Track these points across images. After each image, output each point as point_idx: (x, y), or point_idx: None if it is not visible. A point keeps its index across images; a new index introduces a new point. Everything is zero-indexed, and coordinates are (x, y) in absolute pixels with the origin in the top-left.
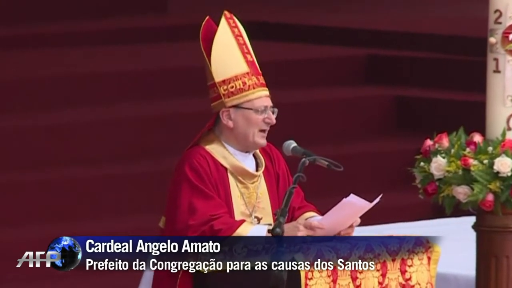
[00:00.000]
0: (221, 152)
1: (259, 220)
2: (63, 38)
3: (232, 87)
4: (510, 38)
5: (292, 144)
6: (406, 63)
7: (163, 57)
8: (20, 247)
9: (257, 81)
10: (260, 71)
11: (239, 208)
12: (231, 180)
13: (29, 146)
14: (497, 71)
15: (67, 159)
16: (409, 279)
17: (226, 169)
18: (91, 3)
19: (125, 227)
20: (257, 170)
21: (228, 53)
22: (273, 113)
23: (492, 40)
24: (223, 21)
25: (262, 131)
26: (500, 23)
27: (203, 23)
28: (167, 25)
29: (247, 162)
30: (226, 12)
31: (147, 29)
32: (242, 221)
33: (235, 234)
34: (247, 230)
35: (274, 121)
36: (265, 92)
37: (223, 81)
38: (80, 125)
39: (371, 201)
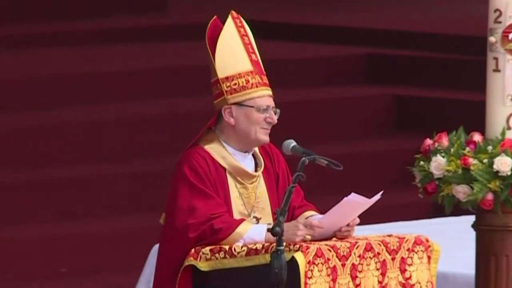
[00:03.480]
0: (220, 152)
1: (258, 220)
2: (63, 37)
3: (235, 84)
4: (510, 37)
5: (292, 143)
6: (406, 63)
7: (163, 57)
8: (20, 246)
9: (261, 80)
10: (264, 71)
11: (237, 208)
12: (230, 180)
13: (29, 146)
14: (497, 70)
15: (67, 159)
16: (409, 278)
17: (224, 169)
18: (90, 3)
19: (126, 227)
20: (256, 170)
21: (233, 51)
22: (275, 113)
23: (492, 39)
24: (229, 20)
25: (264, 128)
26: (500, 22)
27: (210, 21)
28: (167, 25)
29: (246, 162)
30: (233, 12)
31: (147, 28)
32: (242, 220)
33: (234, 233)
34: (246, 229)
35: (276, 121)
36: (268, 91)
37: (226, 78)
38: (80, 124)
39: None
